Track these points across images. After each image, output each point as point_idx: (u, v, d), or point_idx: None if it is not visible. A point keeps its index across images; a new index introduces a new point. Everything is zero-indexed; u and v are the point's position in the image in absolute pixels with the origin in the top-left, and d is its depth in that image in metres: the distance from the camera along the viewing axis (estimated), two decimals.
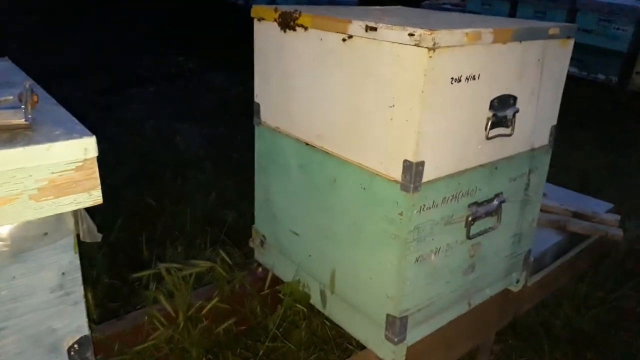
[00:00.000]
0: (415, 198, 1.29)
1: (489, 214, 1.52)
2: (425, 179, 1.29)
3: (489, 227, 1.53)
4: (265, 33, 1.64)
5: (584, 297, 2.16)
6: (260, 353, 1.59)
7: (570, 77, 1.61)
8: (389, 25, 1.24)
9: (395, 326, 1.40)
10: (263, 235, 1.87)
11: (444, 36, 1.18)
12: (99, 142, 0.83)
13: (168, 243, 2.23)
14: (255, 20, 1.67)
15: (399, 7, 1.93)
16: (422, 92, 1.21)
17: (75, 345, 0.92)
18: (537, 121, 1.57)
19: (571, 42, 1.55)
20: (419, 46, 1.18)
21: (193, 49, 6.49)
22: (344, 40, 1.38)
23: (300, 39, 1.52)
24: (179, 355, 1.53)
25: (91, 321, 1.35)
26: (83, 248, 0.91)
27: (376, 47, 1.29)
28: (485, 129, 1.40)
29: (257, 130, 1.79)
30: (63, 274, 0.88)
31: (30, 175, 0.78)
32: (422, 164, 1.27)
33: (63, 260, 0.87)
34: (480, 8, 6.45)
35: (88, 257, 2.01)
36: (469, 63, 1.28)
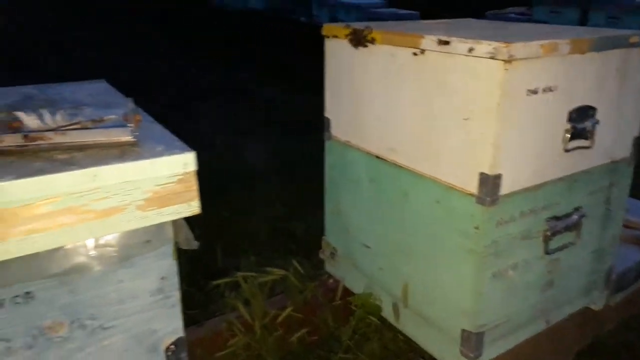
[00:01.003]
0: (491, 211, 1.28)
1: (568, 228, 1.47)
2: (502, 192, 1.28)
3: (568, 243, 1.49)
4: (337, 50, 1.69)
5: None
6: None
7: None
8: (462, 39, 1.25)
9: (471, 342, 1.38)
10: (334, 247, 1.90)
11: (519, 48, 1.18)
12: None
13: (240, 253, 2.30)
14: (326, 38, 1.72)
15: (468, 19, 1.93)
16: (498, 104, 1.21)
17: (172, 346, 0.99)
18: (618, 133, 1.51)
19: None
20: (494, 59, 1.19)
21: (256, 65, 6.71)
22: (415, 54, 1.40)
23: (371, 55, 1.55)
24: None
25: None
26: None
27: (449, 61, 1.30)
28: (564, 141, 1.37)
29: (327, 145, 1.84)
30: (162, 278, 0.95)
31: (138, 188, 0.85)
32: (498, 176, 1.26)
33: (163, 266, 0.94)
34: (547, 16, 6.25)
35: None
36: (546, 75, 1.27)
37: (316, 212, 2.03)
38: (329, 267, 1.96)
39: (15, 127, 0.89)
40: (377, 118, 1.58)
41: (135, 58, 6.92)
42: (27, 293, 0.84)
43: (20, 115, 0.93)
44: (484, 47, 1.20)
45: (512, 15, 6.49)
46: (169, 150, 0.89)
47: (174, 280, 0.96)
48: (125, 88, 1.29)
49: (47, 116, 0.95)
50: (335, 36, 1.67)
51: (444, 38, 1.30)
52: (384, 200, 1.61)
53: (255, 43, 8.19)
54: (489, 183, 1.26)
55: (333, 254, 1.92)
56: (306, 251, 2.26)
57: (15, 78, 1.41)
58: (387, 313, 1.68)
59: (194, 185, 0.90)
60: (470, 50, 1.23)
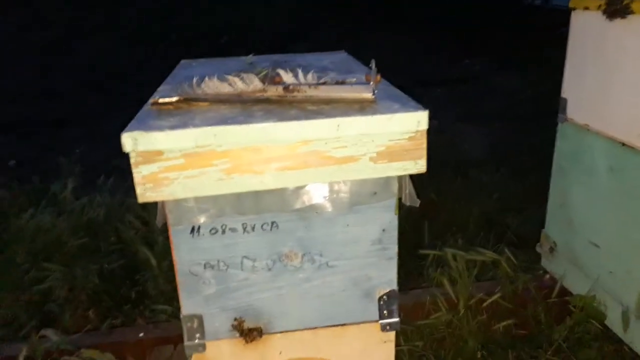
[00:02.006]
0: None
1: None
2: None
3: None
4: (585, 23, 1.53)
5: None
6: None
7: None
8: None
9: None
10: (554, 242, 1.75)
11: None
12: None
13: (446, 236, 2.27)
14: (573, 11, 1.57)
15: None
16: None
17: (385, 296, 1.05)
18: None
19: None
20: None
21: (481, 51, 6.44)
22: None
23: (629, 27, 1.36)
24: (455, 341, 1.56)
25: None
26: None
27: None
28: None
29: (561, 128, 1.68)
30: (383, 230, 1.01)
31: (372, 141, 0.92)
32: None
33: (385, 219, 1.00)
34: None
35: None
36: None
37: (534, 204, 1.88)
38: (545, 263, 1.81)
39: (277, 81, 1.04)
40: (630, 99, 1.38)
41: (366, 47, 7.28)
42: (273, 222, 0.98)
43: (281, 72, 1.08)
44: None
45: None
46: (404, 108, 0.93)
47: (393, 234, 1.01)
48: None
49: (300, 74, 1.08)
50: (586, 8, 1.51)
51: None
52: (627, 195, 1.41)
53: (487, 29, 7.84)
54: None
55: (552, 249, 1.76)
56: (519, 244, 2.12)
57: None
58: (613, 321, 1.48)
59: (423, 143, 0.93)
60: None
